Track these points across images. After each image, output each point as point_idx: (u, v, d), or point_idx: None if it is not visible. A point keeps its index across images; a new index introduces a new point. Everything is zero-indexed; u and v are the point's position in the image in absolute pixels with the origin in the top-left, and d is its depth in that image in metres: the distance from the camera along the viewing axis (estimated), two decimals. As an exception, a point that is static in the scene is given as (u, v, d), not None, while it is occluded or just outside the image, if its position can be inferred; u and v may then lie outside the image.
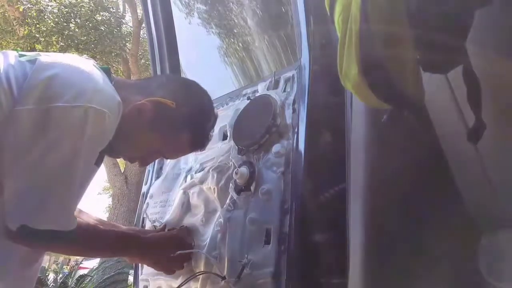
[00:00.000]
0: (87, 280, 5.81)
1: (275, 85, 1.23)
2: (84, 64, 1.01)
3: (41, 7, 7.65)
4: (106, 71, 1.06)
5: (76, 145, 0.92)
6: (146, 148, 1.12)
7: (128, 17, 9.07)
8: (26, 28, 7.45)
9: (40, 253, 1.07)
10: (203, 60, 1.94)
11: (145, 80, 1.26)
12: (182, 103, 1.09)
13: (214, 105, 1.45)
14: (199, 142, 1.16)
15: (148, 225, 1.44)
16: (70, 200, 0.96)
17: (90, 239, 1.07)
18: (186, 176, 1.39)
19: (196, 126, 1.13)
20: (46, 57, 0.99)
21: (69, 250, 1.14)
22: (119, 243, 1.17)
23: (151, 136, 1.09)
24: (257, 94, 1.27)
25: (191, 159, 1.43)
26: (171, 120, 1.09)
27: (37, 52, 1.03)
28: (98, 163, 0.99)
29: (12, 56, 0.99)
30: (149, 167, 1.62)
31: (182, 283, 1.17)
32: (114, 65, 8.77)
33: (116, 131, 0.99)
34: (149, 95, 1.08)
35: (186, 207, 1.32)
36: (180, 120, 1.10)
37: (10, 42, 7.80)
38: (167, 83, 1.18)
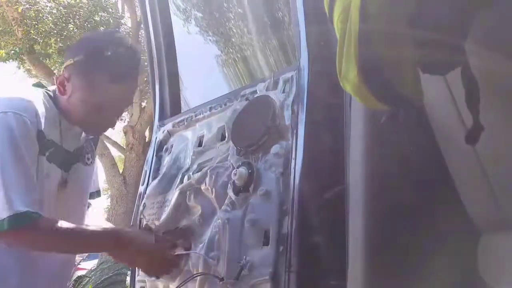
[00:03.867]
0: (85, 281, 5.79)
1: (274, 85, 1.22)
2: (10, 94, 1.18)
3: (40, 8, 7.63)
4: (42, 88, 1.21)
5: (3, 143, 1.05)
6: (95, 110, 1.19)
7: (126, 17, 9.07)
8: (24, 29, 7.43)
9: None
10: (201, 60, 1.94)
11: None
12: (86, 53, 1.16)
13: (212, 105, 1.45)
14: (124, 74, 1.19)
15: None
16: (15, 188, 1.04)
17: (61, 226, 1.12)
18: (183, 177, 1.39)
19: (108, 62, 1.16)
20: None
21: (41, 238, 1.13)
22: (94, 232, 1.21)
23: (87, 97, 1.18)
24: (256, 95, 1.27)
25: (189, 160, 1.43)
26: (85, 72, 1.16)
27: None
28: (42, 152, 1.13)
29: None
30: (146, 168, 1.62)
31: (179, 284, 1.17)
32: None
33: (72, 116, 1.17)
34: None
35: (183, 208, 1.32)
36: (90, 67, 1.16)
37: (9, 43, 7.78)
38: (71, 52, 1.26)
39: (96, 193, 1.49)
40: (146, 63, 1.80)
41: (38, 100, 1.17)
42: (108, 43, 1.19)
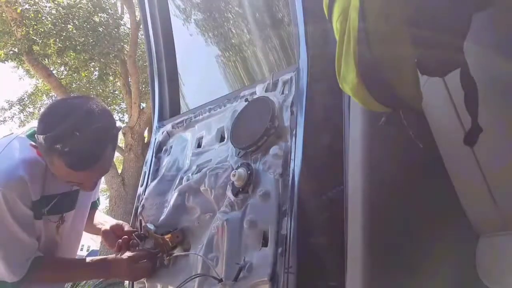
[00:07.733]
0: (83, 282, 5.78)
1: (273, 87, 1.23)
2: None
3: (39, 8, 7.62)
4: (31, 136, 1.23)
5: None
6: (66, 180, 1.21)
7: (126, 18, 9.07)
8: (23, 30, 7.42)
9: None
10: (200, 61, 1.94)
11: None
12: (44, 139, 1.13)
13: (211, 106, 1.45)
14: (80, 164, 1.15)
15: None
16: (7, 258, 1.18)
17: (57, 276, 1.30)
18: (182, 178, 1.39)
19: (63, 152, 1.12)
20: None
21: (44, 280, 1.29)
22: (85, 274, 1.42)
23: (53, 171, 1.19)
24: (255, 96, 1.27)
25: (188, 161, 1.43)
26: (46, 153, 1.16)
27: None
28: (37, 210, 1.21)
29: None
30: (145, 169, 1.62)
31: (178, 285, 1.17)
32: (112, 66, 8.75)
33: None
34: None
35: (182, 209, 1.32)
36: (48, 151, 1.14)
37: (8, 43, 7.77)
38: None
39: (93, 203, 1.51)
40: (146, 64, 1.80)
41: (27, 164, 1.19)
42: (67, 132, 1.12)
